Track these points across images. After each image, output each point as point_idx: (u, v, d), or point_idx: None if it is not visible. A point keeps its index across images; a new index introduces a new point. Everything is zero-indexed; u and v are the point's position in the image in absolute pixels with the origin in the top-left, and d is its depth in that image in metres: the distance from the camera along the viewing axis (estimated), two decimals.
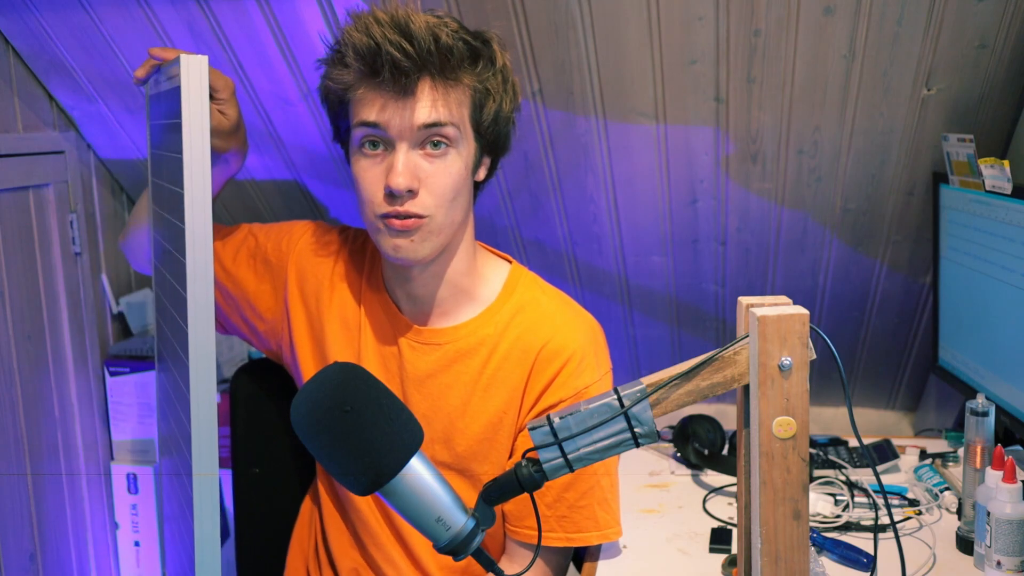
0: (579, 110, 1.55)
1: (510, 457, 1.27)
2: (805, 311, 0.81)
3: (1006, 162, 1.37)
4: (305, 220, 1.42)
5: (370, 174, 1.17)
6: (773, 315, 0.80)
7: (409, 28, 1.11)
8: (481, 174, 1.26)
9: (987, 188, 1.43)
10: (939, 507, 1.42)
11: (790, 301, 0.83)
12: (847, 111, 1.51)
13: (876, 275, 1.78)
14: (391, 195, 1.15)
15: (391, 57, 1.10)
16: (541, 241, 1.80)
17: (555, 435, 0.84)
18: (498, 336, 1.26)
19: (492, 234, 1.79)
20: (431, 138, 1.15)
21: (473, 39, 1.18)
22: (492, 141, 1.23)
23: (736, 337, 0.84)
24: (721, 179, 1.63)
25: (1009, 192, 1.38)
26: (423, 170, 1.16)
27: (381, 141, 1.16)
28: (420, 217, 1.16)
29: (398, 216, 1.16)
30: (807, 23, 1.39)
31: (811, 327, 0.81)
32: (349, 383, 0.85)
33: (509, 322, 1.27)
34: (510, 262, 1.34)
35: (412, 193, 1.15)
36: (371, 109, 1.15)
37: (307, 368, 1.34)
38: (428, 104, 1.14)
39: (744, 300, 0.85)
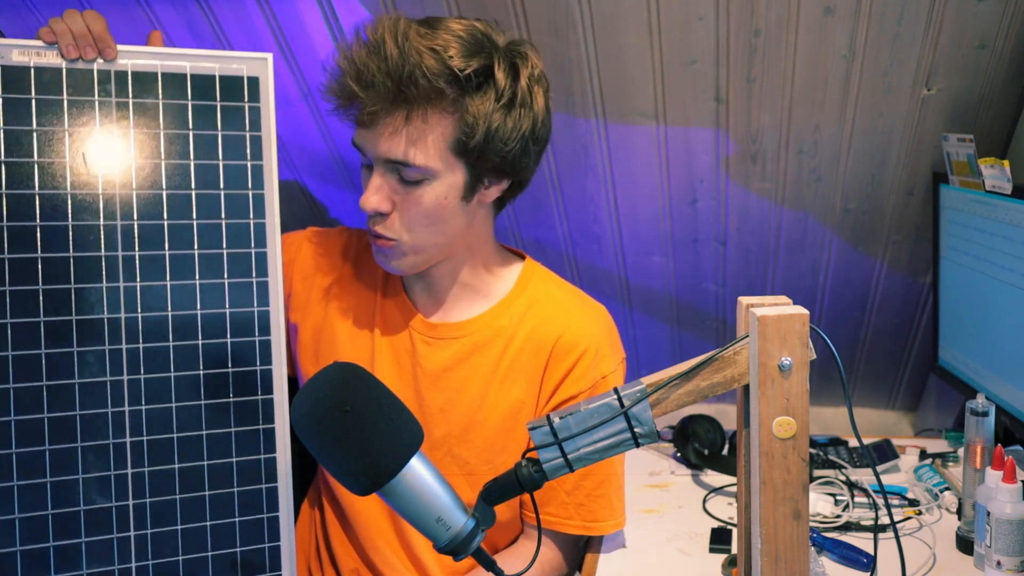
0: (579, 110, 1.55)
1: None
2: (805, 311, 0.81)
3: (1006, 162, 1.37)
4: (301, 230, 1.42)
5: (364, 186, 1.20)
6: (773, 315, 0.80)
7: (379, 54, 1.09)
8: (490, 196, 1.22)
9: (987, 188, 1.43)
10: (939, 507, 1.42)
11: (790, 301, 0.83)
12: (847, 111, 1.51)
13: (876, 275, 1.78)
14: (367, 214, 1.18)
15: (349, 90, 1.12)
16: (541, 241, 1.80)
17: (555, 435, 0.84)
18: (513, 328, 1.27)
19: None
20: (400, 169, 1.15)
21: (465, 66, 1.10)
22: (493, 167, 1.18)
23: (736, 337, 0.84)
24: (721, 179, 1.63)
25: (1009, 192, 1.38)
26: (398, 193, 1.17)
27: (367, 160, 1.19)
28: (390, 239, 1.18)
29: (374, 235, 1.19)
30: (807, 23, 1.39)
31: (811, 327, 0.81)
32: (349, 383, 0.85)
33: (524, 315, 1.28)
34: (523, 258, 1.35)
35: (384, 215, 1.17)
36: (356, 130, 1.17)
37: (308, 373, 1.34)
38: (390, 139, 1.12)
39: (744, 300, 0.85)
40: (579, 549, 1.35)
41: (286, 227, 1.88)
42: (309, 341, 1.34)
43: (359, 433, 0.83)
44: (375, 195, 1.16)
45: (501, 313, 1.28)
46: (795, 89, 1.48)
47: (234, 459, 1.15)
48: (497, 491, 0.88)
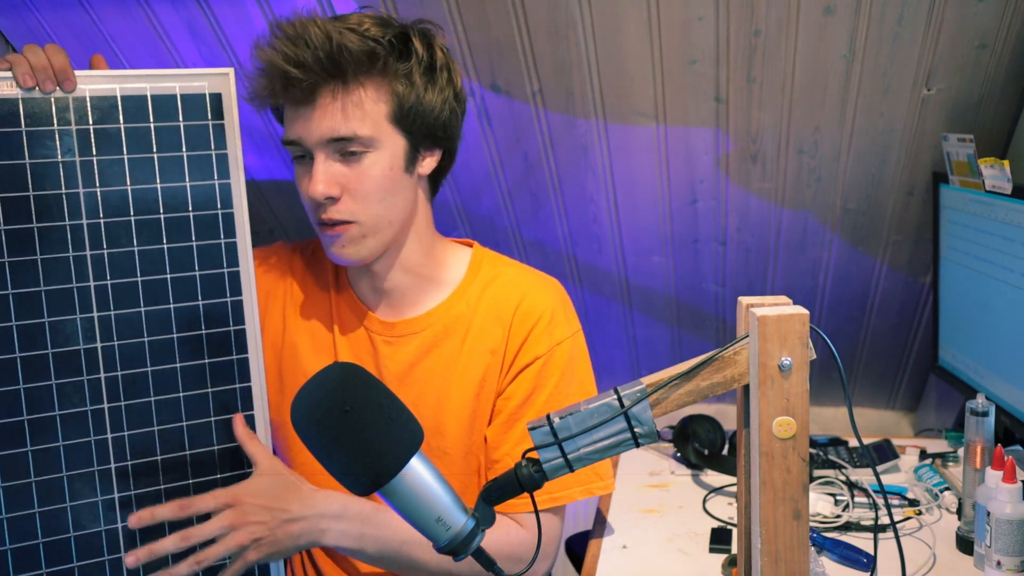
0: (579, 110, 1.55)
1: (489, 423, 1.27)
2: (805, 311, 0.81)
3: (1006, 162, 1.37)
4: None
5: (302, 183, 1.19)
6: (773, 315, 0.80)
7: (304, 38, 1.11)
8: (427, 168, 1.24)
9: (987, 188, 1.43)
10: (939, 507, 1.42)
11: (790, 301, 0.83)
12: (847, 111, 1.51)
13: (876, 275, 1.78)
14: (317, 203, 1.17)
15: (282, 70, 1.11)
16: (541, 241, 1.81)
17: (555, 435, 0.84)
18: (471, 312, 1.28)
19: (492, 234, 1.79)
20: (343, 147, 1.15)
21: (385, 34, 1.15)
22: (428, 134, 1.20)
23: (736, 337, 0.84)
24: (721, 179, 1.63)
25: (1009, 192, 1.38)
26: (343, 175, 1.16)
27: (305, 151, 1.18)
28: (347, 223, 1.17)
29: (327, 223, 1.18)
30: (807, 23, 1.39)
31: (811, 327, 0.81)
32: (349, 383, 0.85)
33: (480, 297, 1.28)
34: (471, 246, 1.35)
35: (333, 200, 1.16)
36: (289, 126, 1.17)
37: (273, 394, 1.33)
38: (331, 115, 1.13)
39: (744, 300, 0.85)
40: (561, 523, 1.33)
41: (286, 227, 1.89)
42: (271, 360, 1.32)
43: (359, 433, 0.83)
44: (322, 180, 1.15)
45: (458, 300, 1.29)
46: (795, 89, 1.48)
47: (218, 476, 1.17)
48: (497, 491, 0.88)
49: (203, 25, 1.50)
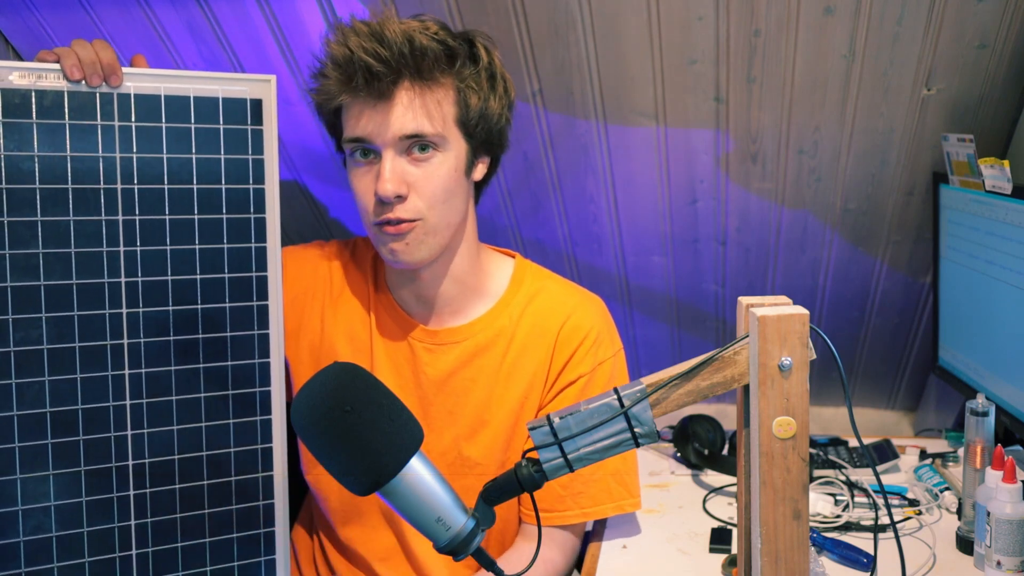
0: (579, 110, 1.55)
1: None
2: (805, 311, 0.81)
3: (1006, 162, 1.37)
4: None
5: (363, 183, 1.19)
6: (773, 315, 0.80)
7: (383, 34, 1.13)
8: (479, 173, 1.26)
9: (987, 188, 1.43)
10: (939, 507, 1.42)
11: (790, 301, 0.84)
12: (847, 111, 1.51)
13: (876, 275, 1.78)
14: (381, 202, 1.16)
15: (364, 63, 1.12)
16: (541, 241, 1.81)
17: (555, 435, 0.84)
18: (514, 326, 1.28)
19: (492, 234, 1.79)
20: (415, 143, 1.17)
21: (453, 39, 1.19)
22: (485, 140, 1.23)
23: (736, 337, 0.84)
24: (721, 179, 1.63)
25: (1009, 192, 1.38)
26: (411, 174, 1.17)
27: (370, 150, 1.18)
28: (412, 221, 1.17)
29: (390, 222, 1.17)
30: (807, 23, 1.39)
31: (811, 327, 0.81)
32: (349, 383, 0.85)
33: (523, 311, 1.29)
34: (514, 257, 1.36)
35: (401, 198, 1.16)
36: (355, 122, 1.17)
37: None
38: (407, 111, 1.15)
39: (744, 300, 0.85)
40: (581, 539, 1.35)
41: (286, 227, 1.89)
42: (308, 361, 1.32)
43: (359, 433, 0.83)
44: (392, 179, 1.15)
45: (500, 312, 1.29)
46: (795, 89, 1.48)
47: (233, 478, 1.17)
48: (497, 491, 0.88)
49: (203, 25, 1.50)
